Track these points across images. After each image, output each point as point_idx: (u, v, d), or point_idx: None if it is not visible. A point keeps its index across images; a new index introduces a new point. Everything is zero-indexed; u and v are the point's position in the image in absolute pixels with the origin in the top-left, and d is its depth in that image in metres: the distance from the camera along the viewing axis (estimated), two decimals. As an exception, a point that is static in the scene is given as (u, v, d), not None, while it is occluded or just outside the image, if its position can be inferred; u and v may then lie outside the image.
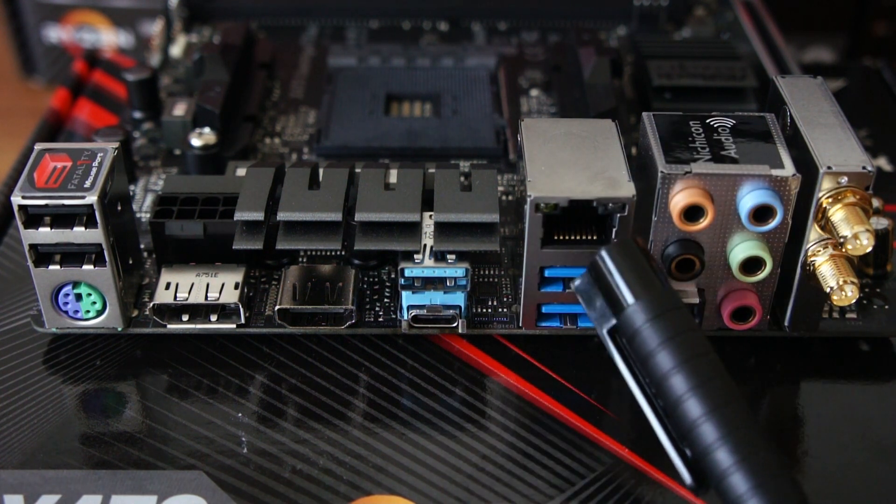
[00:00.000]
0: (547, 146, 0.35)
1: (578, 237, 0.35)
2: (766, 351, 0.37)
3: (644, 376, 0.30)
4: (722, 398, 0.28)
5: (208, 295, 0.36)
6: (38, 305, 0.36)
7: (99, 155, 0.35)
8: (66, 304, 0.36)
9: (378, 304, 0.38)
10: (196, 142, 0.43)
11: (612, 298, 0.30)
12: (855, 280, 0.34)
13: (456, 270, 0.35)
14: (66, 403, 0.35)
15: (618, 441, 0.34)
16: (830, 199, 0.33)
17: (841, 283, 0.33)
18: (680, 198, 0.33)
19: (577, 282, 0.31)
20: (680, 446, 0.29)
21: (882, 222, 0.38)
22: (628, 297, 0.30)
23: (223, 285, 0.36)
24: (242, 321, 0.37)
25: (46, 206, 0.34)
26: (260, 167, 0.37)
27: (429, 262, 0.35)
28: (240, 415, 0.35)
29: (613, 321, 0.30)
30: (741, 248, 0.34)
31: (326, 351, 0.37)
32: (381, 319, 0.37)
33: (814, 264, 0.34)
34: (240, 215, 0.35)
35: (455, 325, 0.36)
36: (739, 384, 0.36)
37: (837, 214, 0.33)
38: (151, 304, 0.36)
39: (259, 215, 0.35)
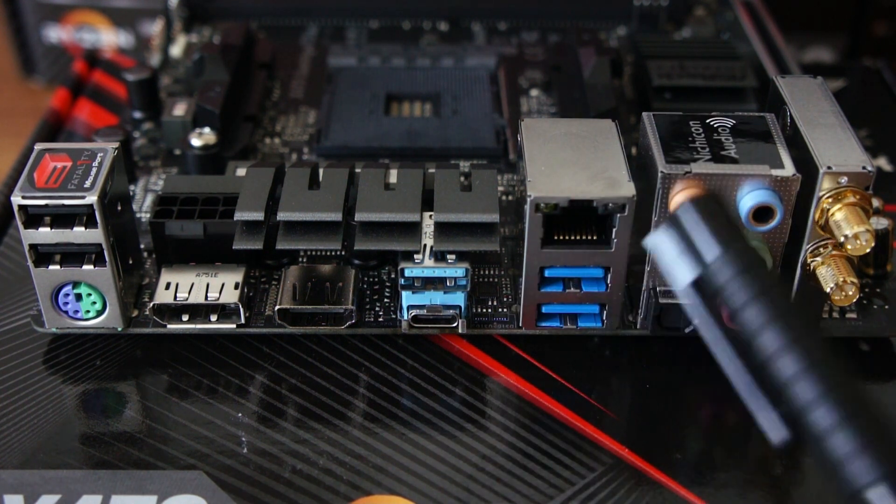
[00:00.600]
0: (547, 146, 0.35)
1: (578, 237, 0.35)
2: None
3: (728, 331, 0.29)
4: (819, 355, 0.27)
5: (208, 295, 0.36)
6: (38, 305, 0.36)
7: (99, 155, 0.35)
8: (66, 304, 0.36)
9: (378, 304, 0.38)
10: (196, 142, 0.43)
11: (695, 253, 0.29)
12: (855, 280, 0.34)
13: (456, 270, 0.35)
14: (66, 403, 0.35)
15: (618, 441, 0.34)
16: (830, 199, 0.33)
17: (841, 283, 0.33)
18: (680, 198, 0.33)
19: (654, 236, 0.30)
20: (770, 403, 0.28)
21: (882, 222, 0.38)
22: (712, 251, 0.29)
23: (223, 285, 0.36)
24: (242, 321, 0.37)
25: (46, 206, 0.34)
26: (260, 167, 0.37)
27: (429, 262, 0.35)
28: (240, 415, 0.35)
29: (695, 275, 0.29)
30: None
31: (326, 351, 0.37)
32: (381, 319, 0.37)
33: (814, 264, 0.34)
34: (240, 215, 0.35)
35: (455, 325, 0.36)
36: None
37: (837, 214, 0.33)
38: (151, 304, 0.36)
39: (259, 215, 0.35)
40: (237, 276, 0.37)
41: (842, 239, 0.33)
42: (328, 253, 0.40)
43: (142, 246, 0.40)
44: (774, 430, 0.28)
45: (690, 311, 0.30)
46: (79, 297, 0.36)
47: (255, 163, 0.38)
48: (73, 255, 0.35)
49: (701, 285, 0.29)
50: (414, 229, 0.35)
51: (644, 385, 0.36)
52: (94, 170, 0.35)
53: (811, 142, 0.34)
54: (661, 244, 0.30)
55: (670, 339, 0.38)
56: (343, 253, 0.40)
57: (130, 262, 0.37)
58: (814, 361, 0.27)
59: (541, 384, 0.36)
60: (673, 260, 0.29)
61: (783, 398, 0.27)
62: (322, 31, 0.55)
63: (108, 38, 0.70)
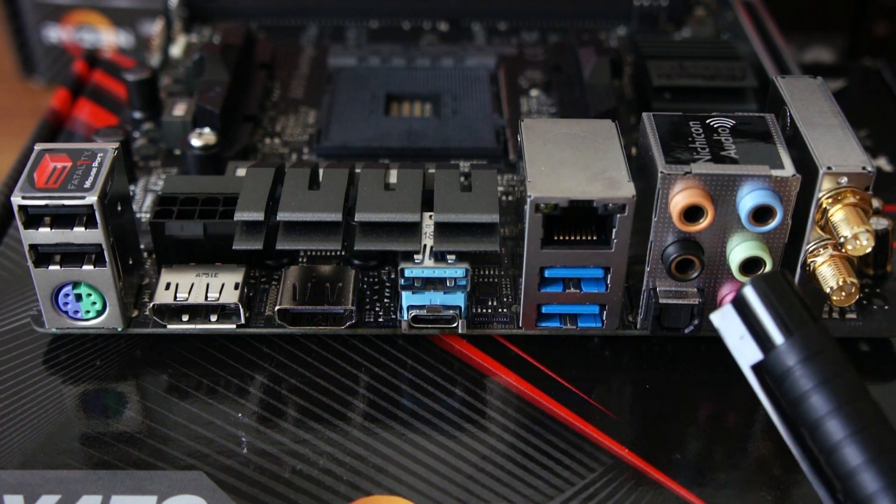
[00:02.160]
0: (547, 146, 0.35)
1: (578, 237, 0.35)
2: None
3: (794, 417, 0.28)
4: (882, 445, 0.26)
5: (208, 295, 0.36)
6: (38, 305, 0.36)
7: (99, 155, 0.35)
8: (66, 304, 0.36)
9: (378, 305, 0.38)
10: (196, 142, 0.43)
11: (760, 335, 0.28)
12: (855, 280, 0.34)
13: (456, 271, 0.35)
14: (66, 403, 0.35)
15: (618, 441, 0.34)
16: (830, 200, 0.33)
17: (841, 283, 0.33)
18: (680, 198, 0.33)
19: (718, 314, 0.29)
20: (833, 490, 0.27)
21: (882, 222, 0.38)
22: (777, 335, 0.28)
23: (223, 285, 0.36)
24: (242, 321, 0.37)
25: (46, 206, 0.34)
26: (260, 167, 0.37)
27: (429, 262, 0.35)
28: (240, 415, 0.35)
29: (759, 358, 0.28)
30: (741, 249, 0.34)
31: (326, 351, 0.37)
32: (381, 319, 0.37)
33: (814, 264, 0.34)
34: (240, 215, 0.35)
35: (455, 325, 0.36)
36: (739, 384, 0.36)
37: (837, 215, 0.33)
38: (151, 305, 0.36)
39: (259, 215, 0.35)
40: (237, 277, 0.37)
41: (842, 239, 0.33)
42: (328, 253, 0.40)
43: (142, 246, 0.40)
44: None
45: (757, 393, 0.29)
46: (79, 298, 0.36)
47: (255, 163, 0.38)
48: (73, 256, 0.35)
49: (765, 368, 0.28)
50: (414, 229, 0.35)
51: (644, 385, 0.36)
52: (94, 170, 0.35)
53: (811, 142, 0.34)
54: (725, 323, 0.29)
55: (670, 339, 0.38)
56: (343, 253, 0.40)
57: (130, 262, 0.37)
58: (877, 453, 0.26)
59: (541, 384, 0.36)
60: (737, 341, 0.28)
61: (846, 489, 0.27)
62: (322, 31, 0.55)
63: (108, 38, 0.70)
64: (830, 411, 0.27)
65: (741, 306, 0.28)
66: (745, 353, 0.28)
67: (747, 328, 0.28)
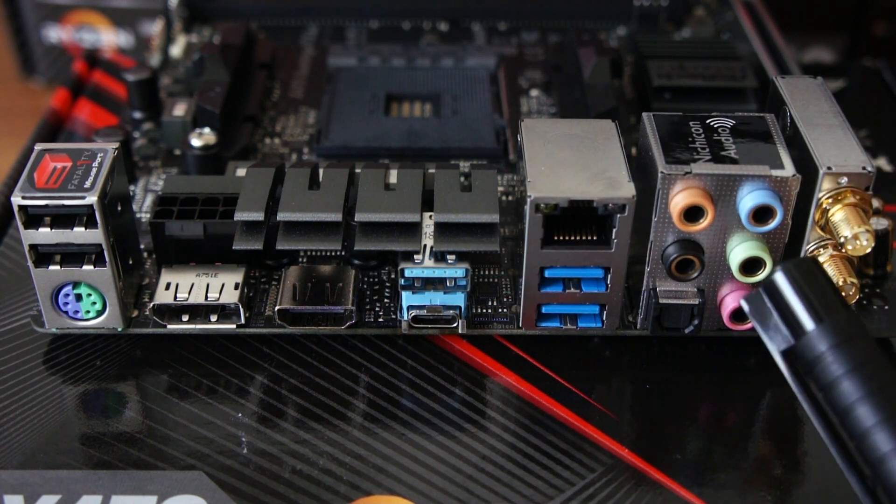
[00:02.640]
0: (547, 146, 0.35)
1: (578, 237, 0.35)
2: (766, 351, 0.37)
3: (825, 403, 0.28)
4: None
5: (208, 295, 0.36)
6: (38, 305, 0.36)
7: (99, 155, 0.35)
8: (66, 304, 0.36)
9: (378, 305, 0.38)
10: (196, 142, 0.43)
11: (791, 320, 0.28)
12: (855, 280, 0.34)
13: (456, 271, 0.35)
14: (66, 403, 0.35)
15: (618, 441, 0.34)
16: (830, 200, 0.33)
17: (841, 283, 0.33)
18: (680, 198, 0.33)
19: (749, 298, 0.29)
20: (863, 475, 0.27)
21: (882, 222, 0.38)
22: (809, 321, 0.28)
23: (223, 285, 0.36)
24: (242, 321, 0.37)
25: (46, 206, 0.34)
26: (260, 167, 0.37)
27: (429, 262, 0.35)
28: (240, 415, 0.35)
29: (791, 343, 0.28)
30: (741, 249, 0.34)
31: (326, 351, 0.37)
32: (381, 320, 0.37)
33: (814, 264, 0.34)
34: (240, 215, 0.35)
35: (455, 325, 0.36)
36: (739, 384, 0.36)
37: (837, 215, 0.33)
38: (151, 305, 0.36)
39: (259, 215, 0.35)
40: (237, 277, 0.37)
41: (842, 239, 0.33)
42: (328, 253, 0.40)
43: (142, 246, 0.40)
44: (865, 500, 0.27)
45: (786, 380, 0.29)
46: (79, 298, 0.36)
47: (255, 163, 0.38)
48: (73, 256, 0.35)
49: (795, 354, 0.28)
50: (414, 229, 0.35)
51: (644, 385, 0.36)
52: (94, 170, 0.35)
53: (811, 142, 0.34)
54: (756, 308, 0.29)
55: (670, 339, 0.38)
56: (343, 253, 0.40)
57: (130, 262, 0.37)
58: None
59: (541, 384, 0.36)
60: (767, 327, 0.29)
61: (877, 475, 0.27)
62: (322, 31, 0.55)
63: (108, 38, 0.70)
64: (861, 397, 0.27)
65: (772, 292, 0.28)
66: (776, 338, 0.28)
67: (778, 314, 0.28)
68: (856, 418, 0.27)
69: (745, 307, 0.29)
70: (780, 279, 0.28)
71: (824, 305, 0.28)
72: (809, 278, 0.28)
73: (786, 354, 0.28)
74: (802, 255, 0.35)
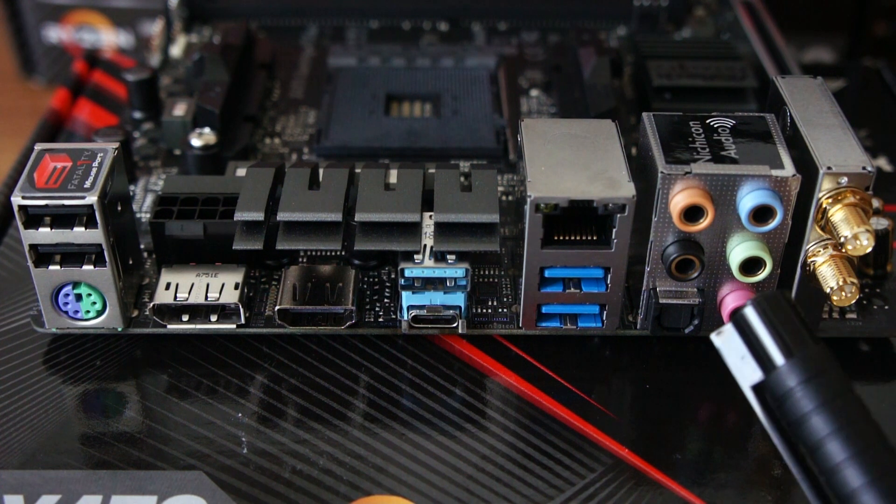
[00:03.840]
0: (547, 146, 0.35)
1: (578, 237, 0.35)
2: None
3: (795, 437, 0.28)
4: (883, 467, 0.26)
5: (208, 295, 0.36)
6: (38, 305, 0.36)
7: (99, 155, 0.35)
8: (66, 304, 0.36)
9: (378, 305, 0.38)
10: (196, 142, 0.43)
11: (760, 355, 0.28)
12: (855, 280, 0.34)
13: (456, 270, 0.35)
14: (66, 403, 0.35)
15: (618, 441, 0.34)
16: (830, 200, 0.33)
17: (841, 283, 0.33)
18: (680, 198, 0.33)
19: (719, 334, 0.29)
20: None
21: (882, 222, 0.38)
22: (778, 356, 0.28)
23: (223, 285, 0.36)
24: (242, 321, 0.37)
25: (46, 206, 0.34)
26: (260, 167, 0.37)
27: (429, 262, 0.35)
28: (240, 415, 0.35)
29: (760, 378, 0.28)
30: (741, 249, 0.34)
31: (326, 351, 0.37)
32: (381, 319, 0.37)
33: (814, 264, 0.34)
34: (240, 215, 0.35)
35: (455, 325, 0.36)
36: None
37: (837, 215, 0.33)
38: (151, 305, 0.36)
39: (259, 215, 0.35)
40: (237, 277, 0.37)
41: (842, 239, 0.33)
42: (328, 253, 0.40)
43: (142, 246, 0.40)
44: None
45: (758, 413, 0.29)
46: (79, 298, 0.36)
47: (255, 163, 0.38)
48: (73, 256, 0.35)
49: (765, 388, 0.28)
50: (414, 229, 0.35)
51: (644, 385, 0.36)
52: (94, 170, 0.35)
53: (811, 142, 0.34)
54: (726, 343, 0.29)
55: (670, 339, 0.38)
56: (343, 253, 0.40)
57: (130, 262, 0.37)
58: (878, 474, 0.26)
59: (541, 384, 0.36)
60: (737, 361, 0.28)
61: None
62: (322, 31, 0.55)
63: (108, 38, 0.70)
64: (831, 433, 0.27)
65: (742, 326, 0.28)
66: (746, 373, 0.28)
67: (748, 348, 0.28)
68: (826, 454, 0.27)
69: (716, 342, 0.29)
70: (751, 313, 0.28)
71: (795, 340, 0.28)
72: (780, 312, 0.28)
73: (756, 389, 0.28)
74: (802, 254, 0.35)
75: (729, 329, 0.29)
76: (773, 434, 0.28)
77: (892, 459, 0.27)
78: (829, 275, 0.34)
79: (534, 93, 0.49)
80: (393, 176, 0.37)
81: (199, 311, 0.37)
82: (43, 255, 0.35)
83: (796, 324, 0.28)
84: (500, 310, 0.38)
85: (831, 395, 0.27)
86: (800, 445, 0.28)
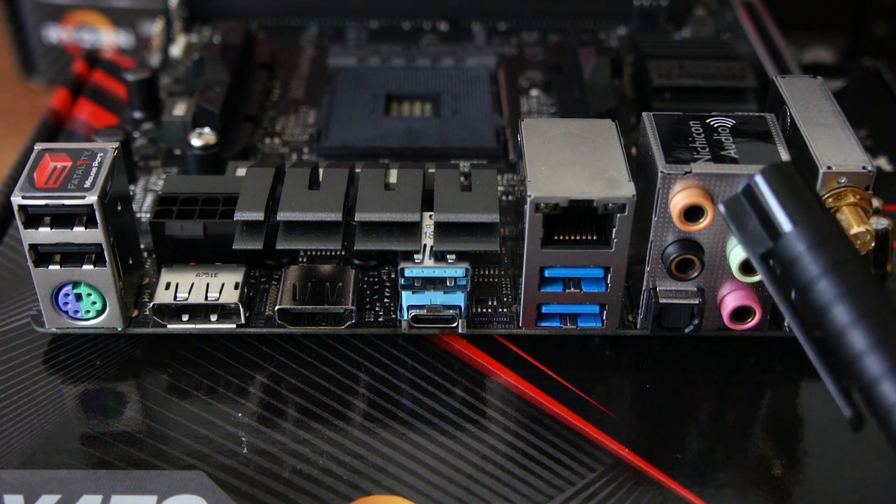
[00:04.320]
0: (547, 146, 0.35)
1: (578, 237, 0.35)
2: (766, 351, 0.37)
3: (802, 305, 0.28)
4: (889, 329, 0.26)
5: (208, 295, 0.36)
6: (38, 305, 0.36)
7: (99, 155, 0.35)
8: (66, 304, 0.36)
9: (378, 304, 0.38)
10: (196, 142, 0.43)
11: (769, 223, 0.28)
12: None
13: (456, 270, 0.35)
14: (66, 403, 0.35)
15: (618, 441, 0.34)
16: (830, 199, 0.33)
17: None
18: (680, 198, 0.33)
19: (727, 202, 0.29)
20: (839, 378, 0.28)
21: (882, 222, 0.38)
22: (786, 222, 0.28)
23: (223, 285, 0.36)
24: (242, 321, 0.37)
25: (46, 206, 0.34)
26: (260, 167, 0.37)
27: (429, 262, 0.35)
28: (240, 415, 0.35)
29: (769, 246, 0.28)
30: (741, 249, 0.34)
31: (326, 351, 0.37)
32: (381, 319, 0.37)
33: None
34: (240, 215, 0.35)
35: (455, 325, 0.36)
36: (739, 384, 0.36)
37: (837, 215, 0.33)
38: (151, 304, 0.36)
39: (259, 215, 0.35)
40: (237, 276, 0.37)
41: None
42: (328, 253, 0.40)
43: (142, 246, 0.40)
44: (843, 405, 0.27)
45: (764, 282, 0.29)
46: (79, 297, 0.36)
47: (255, 163, 0.38)
48: (73, 255, 0.35)
49: (773, 256, 0.28)
50: (414, 229, 0.35)
51: (644, 385, 0.36)
52: (94, 170, 0.35)
53: (811, 142, 0.34)
54: (735, 212, 0.29)
55: (670, 339, 0.38)
56: (343, 253, 0.40)
57: (130, 262, 0.37)
58: (883, 335, 0.26)
59: (541, 384, 0.36)
60: (746, 229, 0.29)
61: (852, 373, 0.27)
62: (322, 31, 0.55)
63: (108, 38, 0.70)
64: (838, 297, 0.27)
65: (751, 195, 0.29)
66: (754, 242, 0.29)
67: (757, 217, 0.28)
68: (832, 318, 0.27)
69: (723, 210, 0.29)
70: (760, 182, 0.28)
71: (802, 208, 0.28)
72: (788, 182, 0.28)
73: (764, 257, 0.29)
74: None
75: (738, 198, 0.29)
76: (779, 303, 0.29)
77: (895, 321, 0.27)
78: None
79: (534, 93, 0.49)
80: (393, 176, 0.37)
81: (199, 311, 0.37)
82: (43, 255, 0.35)
83: (804, 192, 0.28)
84: (500, 310, 0.38)
85: (838, 260, 0.27)
86: (808, 312, 0.28)
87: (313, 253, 0.40)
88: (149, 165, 0.45)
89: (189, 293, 0.36)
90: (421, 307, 0.36)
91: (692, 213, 0.34)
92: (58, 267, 0.35)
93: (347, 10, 0.55)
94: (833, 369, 0.28)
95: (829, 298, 0.27)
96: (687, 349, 0.37)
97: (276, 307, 0.36)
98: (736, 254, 0.34)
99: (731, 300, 0.35)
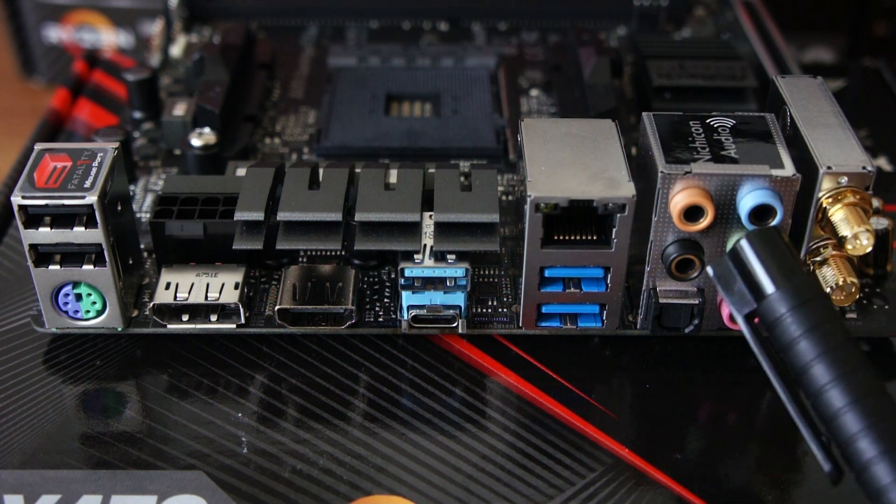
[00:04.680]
0: (547, 146, 0.35)
1: (578, 237, 0.35)
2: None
3: (784, 364, 0.29)
4: (865, 389, 0.28)
5: (208, 295, 0.36)
6: (38, 305, 0.36)
7: (99, 155, 0.35)
8: (66, 304, 0.36)
9: (378, 304, 0.38)
10: (196, 142, 0.43)
11: (753, 285, 0.30)
12: (855, 280, 0.34)
13: (456, 270, 0.35)
14: (66, 403, 0.35)
15: (618, 441, 0.34)
16: (830, 199, 0.33)
17: (841, 283, 0.33)
18: (680, 198, 0.33)
19: (715, 265, 0.31)
20: (819, 433, 0.29)
21: (882, 222, 0.38)
22: (769, 285, 0.29)
23: (223, 285, 0.36)
24: (242, 321, 0.37)
25: (46, 206, 0.34)
26: (260, 167, 0.37)
27: (429, 262, 0.35)
28: (240, 415, 0.35)
29: (753, 307, 0.30)
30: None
31: (326, 351, 0.37)
32: (381, 319, 0.37)
33: (814, 264, 0.34)
34: (240, 215, 0.35)
35: (455, 325, 0.36)
36: (739, 384, 0.36)
37: (837, 214, 0.33)
38: (151, 304, 0.36)
39: (259, 215, 0.35)
40: (237, 276, 0.37)
41: (842, 239, 0.33)
42: (328, 253, 0.40)
43: (142, 246, 0.40)
44: (822, 460, 0.29)
45: (748, 342, 0.30)
46: (79, 297, 0.36)
47: (255, 163, 0.38)
48: (73, 255, 0.35)
49: (757, 316, 0.30)
50: (414, 229, 0.35)
51: (644, 385, 0.36)
52: (94, 170, 0.35)
53: (811, 142, 0.34)
54: (721, 274, 0.31)
55: (670, 339, 0.38)
56: (343, 253, 0.40)
57: (130, 262, 0.37)
58: (860, 394, 0.28)
59: (541, 384, 0.36)
60: (732, 290, 0.30)
61: (831, 430, 0.28)
62: (322, 31, 0.55)
63: (108, 38, 0.70)
64: (818, 356, 0.28)
65: (736, 258, 0.30)
66: (739, 302, 0.30)
67: (742, 278, 0.30)
68: (812, 377, 0.28)
69: (711, 272, 0.31)
70: (745, 246, 0.30)
71: (784, 270, 0.29)
72: (772, 246, 0.30)
73: (748, 317, 0.30)
74: (802, 255, 0.35)
75: (724, 261, 0.31)
76: (763, 361, 0.30)
77: (873, 381, 0.28)
78: (829, 275, 0.34)
79: (534, 93, 0.49)
80: (393, 176, 0.37)
81: (199, 311, 0.37)
82: (43, 255, 0.35)
83: (787, 256, 0.30)
84: (500, 310, 0.38)
85: (818, 321, 0.29)
86: (789, 372, 0.29)
87: (313, 253, 0.40)
88: (149, 165, 0.45)
89: (189, 293, 0.36)
90: (421, 307, 0.36)
91: (692, 213, 0.34)
92: (58, 267, 0.35)
93: (347, 10, 0.55)
94: (812, 425, 0.29)
95: (809, 358, 0.28)
96: (687, 349, 0.37)
97: (276, 307, 0.36)
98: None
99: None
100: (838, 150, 0.34)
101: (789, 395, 0.30)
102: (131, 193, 0.43)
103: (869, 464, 0.27)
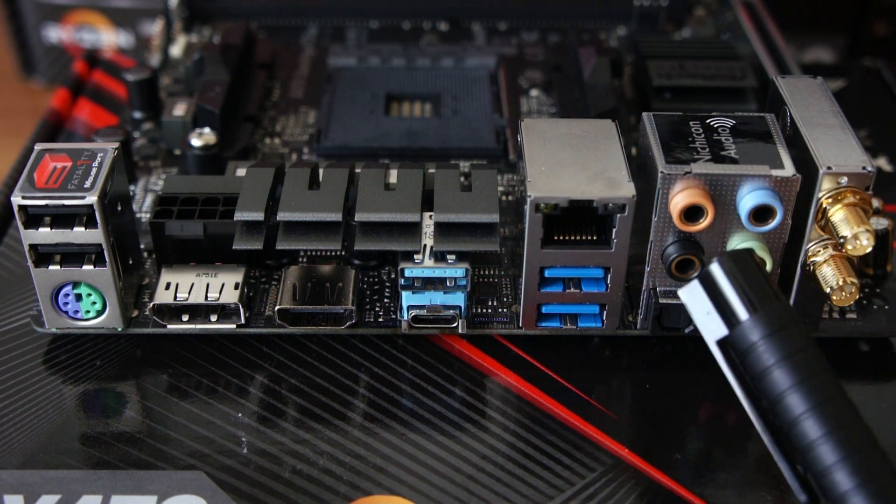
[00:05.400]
0: (547, 146, 0.35)
1: (578, 237, 0.35)
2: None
3: (757, 391, 0.29)
4: (841, 419, 0.27)
5: (208, 295, 0.36)
6: (38, 305, 0.36)
7: (99, 155, 0.35)
8: (66, 304, 0.36)
9: (378, 304, 0.38)
10: (196, 142, 0.43)
11: (725, 311, 0.29)
12: (855, 280, 0.34)
13: (456, 270, 0.35)
14: (66, 403, 0.35)
15: (618, 441, 0.34)
16: (830, 200, 0.33)
17: (841, 283, 0.33)
18: (680, 198, 0.33)
19: (686, 290, 0.30)
20: (793, 462, 0.28)
21: (882, 222, 0.38)
22: (742, 311, 0.28)
23: (223, 285, 0.36)
24: (242, 321, 0.37)
25: (46, 206, 0.34)
26: (260, 167, 0.37)
27: (429, 262, 0.35)
28: (240, 415, 0.35)
29: (725, 333, 0.29)
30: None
31: (326, 351, 0.37)
32: (381, 319, 0.37)
33: (814, 264, 0.34)
34: (240, 215, 0.35)
35: (455, 325, 0.36)
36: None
37: (837, 215, 0.33)
38: (151, 305, 0.36)
39: (259, 215, 0.35)
40: (237, 277, 0.37)
41: (842, 239, 0.33)
42: (328, 253, 0.40)
43: (142, 246, 0.40)
44: (797, 490, 0.28)
45: (721, 368, 0.29)
46: (79, 297, 0.36)
47: (255, 163, 0.38)
48: (73, 255, 0.35)
49: (730, 343, 0.29)
50: (414, 229, 0.35)
51: (644, 385, 0.36)
52: (94, 170, 0.35)
53: (811, 142, 0.34)
54: (692, 299, 0.29)
55: (670, 339, 0.38)
56: (343, 253, 0.40)
57: (130, 262, 0.37)
58: (835, 425, 0.27)
59: (541, 384, 0.36)
60: (703, 316, 0.29)
61: (806, 461, 0.27)
62: (322, 31, 0.55)
63: (108, 38, 0.70)
64: (792, 386, 0.27)
65: (708, 283, 0.29)
66: (711, 328, 0.29)
67: (713, 304, 0.29)
68: (786, 407, 0.27)
69: (683, 297, 0.30)
70: (717, 270, 0.29)
71: (758, 296, 0.28)
72: (745, 270, 0.29)
73: (721, 344, 0.29)
74: (802, 254, 0.35)
75: (695, 285, 0.29)
76: (736, 389, 0.29)
77: (848, 412, 0.27)
78: (829, 275, 0.34)
79: (534, 93, 0.49)
80: (393, 176, 0.37)
81: (199, 311, 0.37)
82: (43, 255, 0.35)
83: (761, 281, 0.29)
84: (500, 310, 0.38)
85: (793, 349, 0.28)
86: (762, 400, 0.28)
87: (313, 253, 0.40)
88: (149, 165, 0.45)
89: (189, 293, 0.36)
90: (421, 307, 0.36)
91: (692, 213, 0.34)
92: (58, 267, 0.35)
93: (347, 10, 0.55)
94: (787, 455, 0.28)
95: (783, 388, 0.28)
96: (687, 349, 0.37)
97: (276, 307, 0.36)
98: (736, 254, 0.34)
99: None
100: (838, 150, 0.34)
101: (764, 425, 0.29)
102: (131, 193, 0.43)
103: (846, 496, 0.26)
